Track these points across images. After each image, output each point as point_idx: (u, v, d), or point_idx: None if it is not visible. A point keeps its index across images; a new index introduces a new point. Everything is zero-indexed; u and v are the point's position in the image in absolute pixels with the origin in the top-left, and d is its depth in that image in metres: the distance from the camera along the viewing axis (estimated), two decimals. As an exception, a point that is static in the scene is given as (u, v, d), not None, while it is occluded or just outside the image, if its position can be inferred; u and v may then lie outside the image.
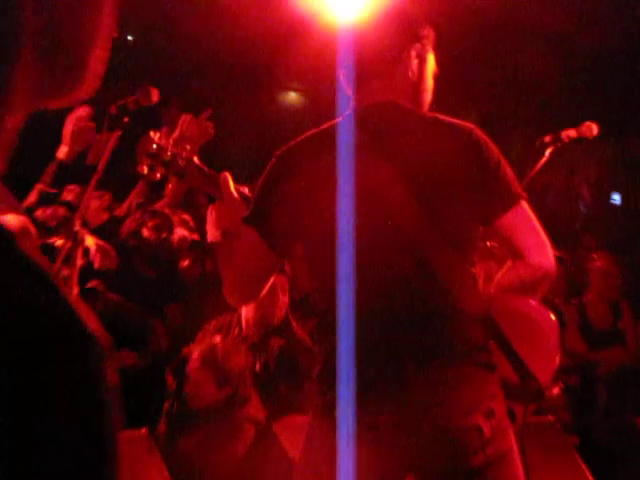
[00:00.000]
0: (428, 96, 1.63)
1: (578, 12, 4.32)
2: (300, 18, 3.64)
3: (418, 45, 1.56)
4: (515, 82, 5.01)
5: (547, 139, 2.05)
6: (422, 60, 1.59)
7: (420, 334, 1.41)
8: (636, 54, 4.62)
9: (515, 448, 1.40)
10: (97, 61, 0.53)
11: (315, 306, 1.59)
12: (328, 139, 1.48)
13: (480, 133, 1.52)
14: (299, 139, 1.56)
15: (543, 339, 1.50)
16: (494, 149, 1.53)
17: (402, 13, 1.60)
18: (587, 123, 2.07)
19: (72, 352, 0.41)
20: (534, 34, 4.65)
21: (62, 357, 0.40)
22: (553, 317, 1.54)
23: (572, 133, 2.04)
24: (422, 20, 1.63)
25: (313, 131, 1.56)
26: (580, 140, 2.13)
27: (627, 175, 5.80)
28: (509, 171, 1.54)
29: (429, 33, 1.61)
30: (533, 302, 1.54)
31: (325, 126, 1.55)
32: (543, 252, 1.50)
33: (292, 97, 6.49)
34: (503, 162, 1.53)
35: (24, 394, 0.38)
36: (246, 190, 1.69)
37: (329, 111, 1.62)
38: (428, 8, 1.90)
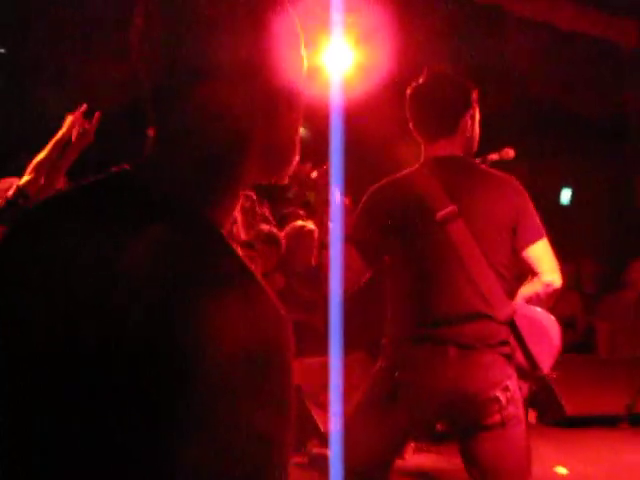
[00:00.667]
0: (476, 145, 2.23)
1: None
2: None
3: (471, 109, 2.15)
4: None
5: (477, 160, 2.63)
6: (473, 120, 2.18)
7: (463, 329, 2.00)
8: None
9: (522, 413, 2.02)
10: (296, 154, 0.78)
11: (387, 301, 2.18)
12: (410, 183, 2.07)
13: (518, 183, 2.13)
14: (387, 180, 2.14)
15: (548, 339, 2.10)
16: (528, 195, 2.12)
17: (461, 84, 2.19)
18: (506, 148, 2.65)
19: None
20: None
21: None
22: (556, 323, 2.14)
23: (494, 156, 2.61)
24: (472, 86, 2.21)
25: (397, 175, 2.13)
26: (501, 161, 2.72)
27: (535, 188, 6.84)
28: (536, 212, 2.13)
29: (476, 96, 2.20)
30: (543, 311, 2.15)
31: (406, 172, 2.13)
32: (555, 272, 2.09)
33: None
34: (532, 205, 2.12)
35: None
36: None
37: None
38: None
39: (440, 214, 1.99)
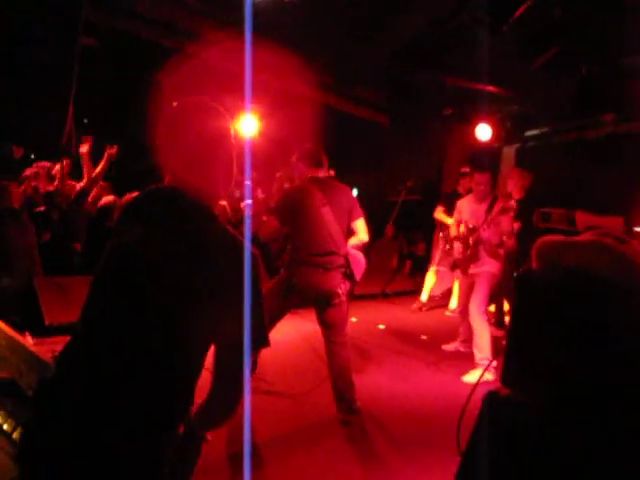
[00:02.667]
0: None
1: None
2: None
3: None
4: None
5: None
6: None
7: (324, 258, 4.17)
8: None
9: (346, 297, 4.25)
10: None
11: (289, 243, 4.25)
12: (303, 188, 4.09)
13: (349, 188, 4.31)
14: (291, 186, 4.13)
15: (359, 265, 4.27)
16: (355, 195, 4.32)
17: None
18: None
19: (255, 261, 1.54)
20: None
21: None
22: (363, 257, 4.37)
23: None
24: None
25: (295, 185, 4.14)
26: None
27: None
28: (359, 204, 4.34)
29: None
30: (358, 252, 4.38)
31: (300, 184, 4.13)
32: (365, 234, 4.29)
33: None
34: (357, 200, 4.33)
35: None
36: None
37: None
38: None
39: (318, 203, 4.05)
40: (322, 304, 4.09)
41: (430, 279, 8.03)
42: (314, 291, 4.06)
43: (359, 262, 4.25)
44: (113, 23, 5.74)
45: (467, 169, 7.52)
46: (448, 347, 5.93)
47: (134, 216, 1.61)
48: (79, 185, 6.58)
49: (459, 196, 7.30)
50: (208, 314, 1.48)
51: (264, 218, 4.18)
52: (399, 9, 6.50)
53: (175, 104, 1.68)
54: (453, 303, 7.89)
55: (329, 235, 4.05)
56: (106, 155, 6.44)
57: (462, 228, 5.61)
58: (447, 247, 6.68)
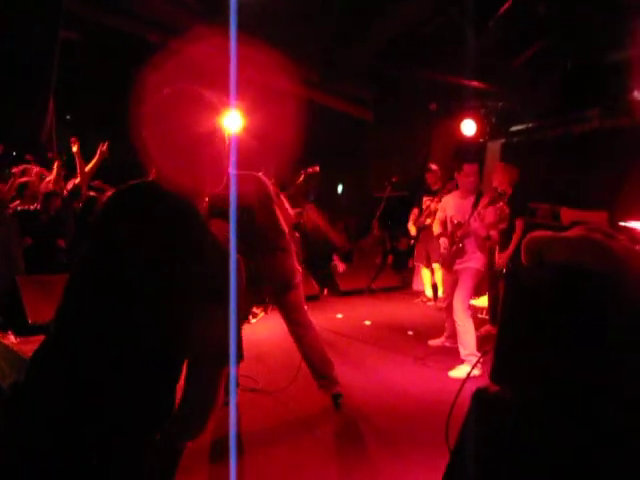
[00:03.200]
0: None
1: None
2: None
3: None
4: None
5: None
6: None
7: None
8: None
9: (302, 287, 4.22)
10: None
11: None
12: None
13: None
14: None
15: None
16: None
17: None
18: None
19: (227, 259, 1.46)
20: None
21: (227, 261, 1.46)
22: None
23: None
24: None
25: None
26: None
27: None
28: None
29: None
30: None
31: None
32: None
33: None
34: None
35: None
36: None
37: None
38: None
39: None
40: (282, 288, 4.08)
41: (426, 274, 8.07)
42: (276, 275, 4.05)
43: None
44: (97, 17, 5.66)
45: (434, 166, 7.67)
46: (434, 342, 5.93)
47: (118, 212, 1.56)
48: (72, 182, 6.57)
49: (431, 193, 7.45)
50: (195, 312, 1.45)
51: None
52: (385, 5, 6.50)
53: (165, 91, 1.58)
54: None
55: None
56: (98, 151, 6.58)
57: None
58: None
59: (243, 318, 4.13)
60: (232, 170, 2.17)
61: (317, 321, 6.34)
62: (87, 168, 6.63)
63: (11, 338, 4.75)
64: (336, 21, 6.88)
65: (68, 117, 8.26)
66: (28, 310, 5.34)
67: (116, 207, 1.57)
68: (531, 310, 1.61)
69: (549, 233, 1.78)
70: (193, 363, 1.48)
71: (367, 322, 6.75)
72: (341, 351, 5.46)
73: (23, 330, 5.11)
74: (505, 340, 1.72)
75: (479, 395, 1.74)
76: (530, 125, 8.84)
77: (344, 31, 7.15)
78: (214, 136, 1.59)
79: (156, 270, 1.43)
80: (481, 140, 9.23)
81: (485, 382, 1.79)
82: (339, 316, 6.65)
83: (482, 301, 8.21)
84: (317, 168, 6.39)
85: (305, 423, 3.91)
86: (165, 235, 1.47)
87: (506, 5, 5.66)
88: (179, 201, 1.52)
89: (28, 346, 4.77)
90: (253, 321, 6.41)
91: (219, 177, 1.62)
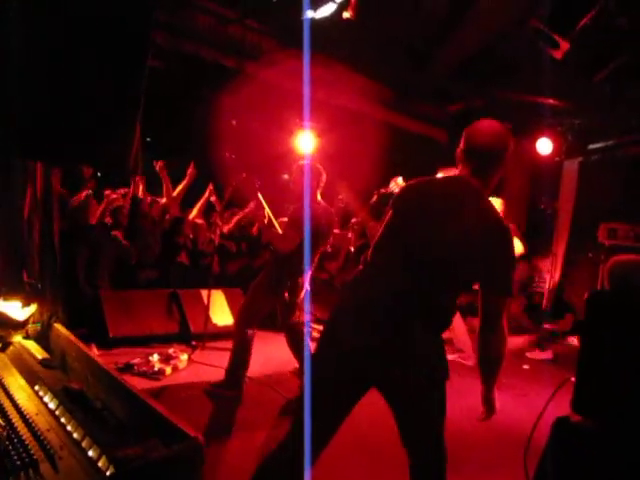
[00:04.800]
0: None
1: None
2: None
3: None
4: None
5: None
6: None
7: None
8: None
9: None
10: None
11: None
12: None
13: None
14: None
15: None
16: None
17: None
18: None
19: None
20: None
21: None
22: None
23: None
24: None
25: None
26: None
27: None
28: None
29: None
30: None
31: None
32: None
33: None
34: None
35: None
36: None
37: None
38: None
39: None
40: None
41: None
42: None
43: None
44: (175, 44, 5.91)
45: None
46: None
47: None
48: (162, 202, 6.88)
49: None
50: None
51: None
52: (459, 24, 6.45)
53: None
54: None
55: None
56: (188, 173, 6.92)
57: None
58: None
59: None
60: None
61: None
62: (176, 192, 6.92)
63: (94, 350, 4.98)
64: (410, 43, 6.90)
65: (148, 139, 8.67)
66: (109, 324, 5.57)
67: None
68: (617, 337, 1.54)
69: (634, 256, 1.70)
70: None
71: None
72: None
73: (104, 343, 5.35)
74: (587, 368, 1.65)
75: (560, 425, 1.67)
76: (609, 143, 8.50)
77: (419, 52, 7.15)
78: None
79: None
80: (557, 159, 8.93)
81: (566, 410, 1.72)
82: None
83: (561, 325, 7.91)
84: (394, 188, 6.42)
85: (366, 446, 3.85)
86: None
87: (585, 19, 5.50)
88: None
89: (108, 358, 5.00)
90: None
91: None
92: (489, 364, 2.19)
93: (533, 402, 4.53)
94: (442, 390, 2.10)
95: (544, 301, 9.02)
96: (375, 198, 6.13)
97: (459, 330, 5.74)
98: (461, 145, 2.45)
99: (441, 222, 2.16)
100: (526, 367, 5.69)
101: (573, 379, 1.69)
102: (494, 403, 2.21)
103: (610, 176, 8.12)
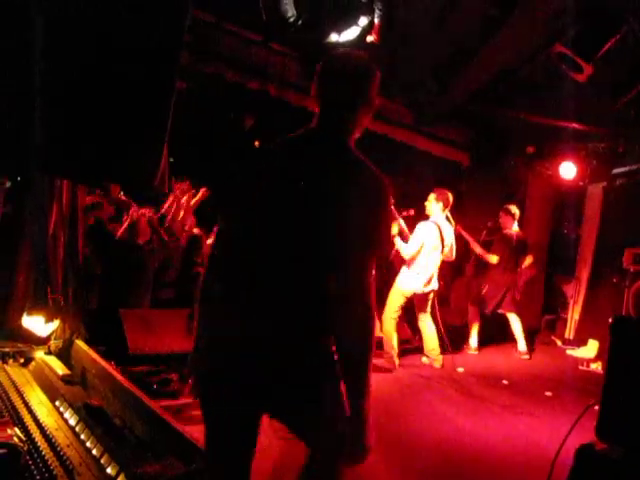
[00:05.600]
0: None
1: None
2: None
3: None
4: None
5: None
6: None
7: None
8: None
9: None
10: None
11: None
12: None
13: None
14: None
15: None
16: None
17: None
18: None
19: None
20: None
21: None
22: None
23: None
24: None
25: None
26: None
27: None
28: None
29: None
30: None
31: None
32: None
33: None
34: None
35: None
36: None
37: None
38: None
39: None
40: None
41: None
42: None
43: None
44: (199, 66, 6.01)
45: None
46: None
47: None
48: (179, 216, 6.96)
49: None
50: None
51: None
52: (480, 46, 6.49)
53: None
54: (473, 341, 7.63)
55: None
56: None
57: None
58: None
59: None
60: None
61: (404, 365, 6.27)
62: (192, 202, 6.99)
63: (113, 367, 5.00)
64: (432, 60, 6.92)
65: (172, 159, 8.81)
66: (129, 341, 5.60)
67: None
68: (643, 364, 1.51)
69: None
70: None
71: (460, 369, 6.53)
72: (435, 399, 5.31)
73: (122, 360, 5.37)
74: (614, 394, 1.62)
75: (584, 453, 1.64)
76: (633, 167, 8.41)
77: (438, 74, 7.18)
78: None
79: None
80: (581, 183, 8.85)
81: (590, 438, 1.69)
82: (425, 360, 6.49)
83: (584, 352, 7.78)
84: (412, 212, 6.40)
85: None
86: None
87: (610, 43, 5.50)
88: None
89: (125, 375, 5.01)
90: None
91: None
92: (354, 352, 1.69)
93: (555, 429, 4.44)
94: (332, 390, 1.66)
95: (567, 327, 8.89)
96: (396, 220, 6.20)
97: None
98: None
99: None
100: (549, 394, 5.59)
101: (597, 407, 1.66)
102: (364, 429, 1.69)
103: (635, 201, 8.03)
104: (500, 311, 7.48)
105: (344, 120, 1.87)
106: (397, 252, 6.12)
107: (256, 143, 7.32)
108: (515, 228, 7.50)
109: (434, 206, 6.27)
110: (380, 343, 6.26)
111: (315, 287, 1.68)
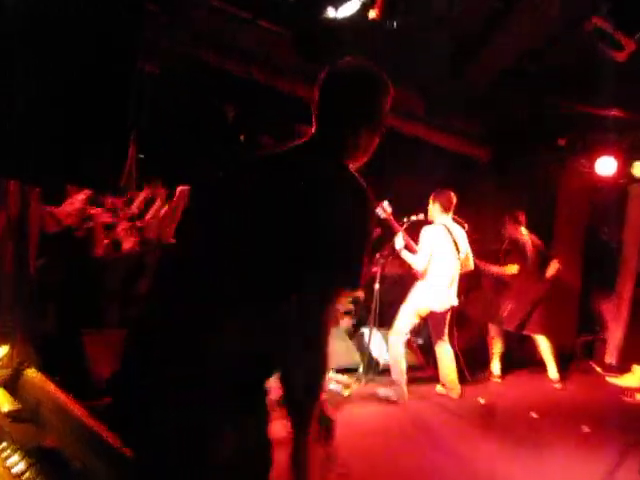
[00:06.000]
0: None
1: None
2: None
3: None
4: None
5: None
6: None
7: None
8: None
9: None
10: None
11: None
12: None
13: None
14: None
15: None
16: None
17: None
18: None
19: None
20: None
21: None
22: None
23: None
24: None
25: None
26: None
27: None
28: None
29: None
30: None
31: None
32: None
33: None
34: None
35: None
36: None
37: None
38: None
39: None
40: None
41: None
42: None
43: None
44: (179, 49, 6.01)
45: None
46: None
47: None
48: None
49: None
50: None
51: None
52: (503, 24, 6.51)
53: None
54: (496, 367, 7.61)
55: None
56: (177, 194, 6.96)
57: None
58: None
59: None
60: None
61: (415, 395, 6.24)
62: (162, 212, 6.94)
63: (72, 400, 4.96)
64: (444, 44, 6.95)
65: (141, 156, 8.78)
66: (92, 369, 5.57)
67: None
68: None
69: None
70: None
71: (481, 400, 6.52)
72: (446, 435, 5.30)
73: (84, 391, 5.32)
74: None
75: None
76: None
77: (452, 60, 7.18)
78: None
79: None
80: (622, 181, 8.83)
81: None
82: (440, 389, 6.47)
83: (629, 380, 7.75)
84: (422, 215, 6.41)
85: None
86: None
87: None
88: None
89: (87, 410, 4.96)
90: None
91: None
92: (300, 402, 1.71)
93: (594, 473, 4.43)
94: None
95: (607, 350, 8.85)
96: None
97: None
98: None
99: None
100: (586, 430, 5.58)
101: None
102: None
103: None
104: (526, 332, 7.45)
105: (344, 140, 1.86)
106: (409, 266, 6.20)
107: (241, 137, 7.31)
108: (524, 233, 7.49)
109: (432, 209, 6.31)
110: (387, 370, 6.25)
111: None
